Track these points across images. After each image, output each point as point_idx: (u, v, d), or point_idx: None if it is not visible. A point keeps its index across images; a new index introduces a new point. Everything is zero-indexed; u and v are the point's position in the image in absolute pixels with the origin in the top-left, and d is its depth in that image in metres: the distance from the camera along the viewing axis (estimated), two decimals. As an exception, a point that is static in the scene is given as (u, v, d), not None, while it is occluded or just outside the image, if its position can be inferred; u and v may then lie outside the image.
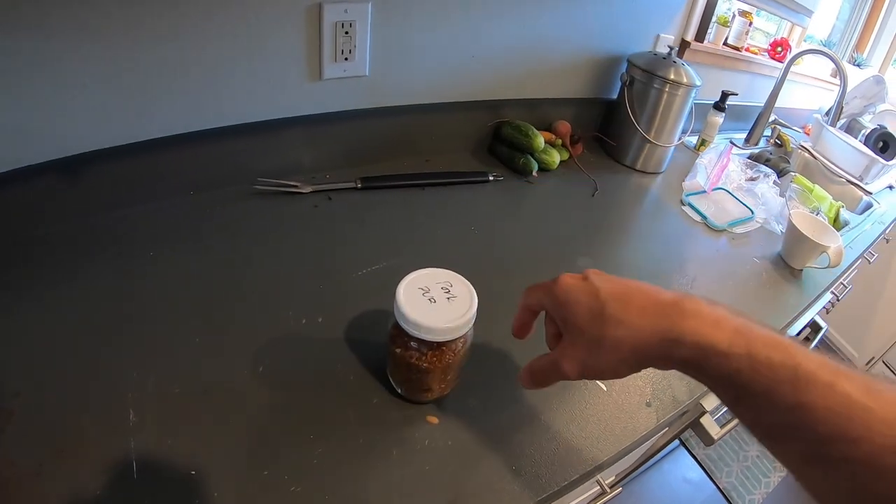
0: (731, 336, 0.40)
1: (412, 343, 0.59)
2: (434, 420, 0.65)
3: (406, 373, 0.62)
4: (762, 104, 1.93)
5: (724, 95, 1.66)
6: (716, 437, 0.93)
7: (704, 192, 1.42)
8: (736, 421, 0.95)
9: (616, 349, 0.46)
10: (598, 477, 0.73)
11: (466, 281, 0.62)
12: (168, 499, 0.52)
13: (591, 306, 0.47)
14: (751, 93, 2.08)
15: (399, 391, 0.65)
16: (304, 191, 1.00)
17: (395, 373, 0.65)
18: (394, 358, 0.62)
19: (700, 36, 1.74)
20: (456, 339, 0.59)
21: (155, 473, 0.54)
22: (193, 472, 0.54)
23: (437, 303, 0.59)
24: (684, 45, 1.69)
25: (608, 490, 0.78)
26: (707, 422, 0.93)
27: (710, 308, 0.43)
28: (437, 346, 0.59)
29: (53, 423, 0.56)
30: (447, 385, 0.65)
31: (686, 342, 0.42)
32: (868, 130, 2.05)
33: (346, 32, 0.97)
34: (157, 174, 0.89)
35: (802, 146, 1.94)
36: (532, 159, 1.26)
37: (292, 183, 1.00)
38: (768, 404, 0.38)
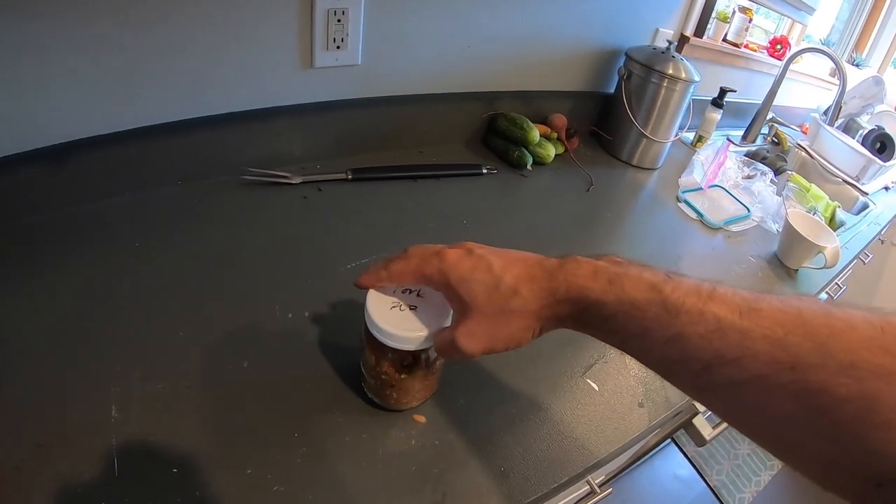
0: (605, 285, 0.41)
1: (386, 352, 0.56)
2: (421, 419, 0.63)
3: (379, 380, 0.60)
4: (760, 102, 1.92)
5: (723, 92, 1.65)
6: (708, 438, 0.92)
7: (701, 188, 1.40)
8: (728, 422, 0.94)
9: (518, 319, 0.46)
10: (588, 477, 0.72)
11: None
12: (150, 496, 0.50)
13: (486, 282, 0.46)
14: (749, 90, 2.07)
15: (371, 397, 0.63)
16: (293, 181, 0.98)
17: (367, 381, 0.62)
18: (366, 367, 0.60)
19: (699, 31, 1.73)
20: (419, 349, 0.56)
21: (137, 470, 0.52)
22: (176, 470, 0.53)
23: (403, 311, 0.55)
24: (683, 39, 1.68)
25: (598, 490, 0.77)
26: (699, 422, 0.92)
27: (588, 263, 0.44)
28: (409, 357, 0.56)
29: (34, 417, 0.54)
30: (417, 398, 0.63)
31: (568, 298, 0.43)
32: (866, 131, 2.05)
33: (339, 20, 0.95)
34: (143, 163, 0.87)
35: (799, 145, 1.94)
36: (527, 152, 1.24)
37: (282, 173, 0.98)
38: (648, 342, 0.39)
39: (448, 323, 0.55)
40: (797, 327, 0.33)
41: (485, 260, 0.48)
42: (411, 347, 0.54)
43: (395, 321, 0.53)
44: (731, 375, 0.34)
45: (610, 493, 0.78)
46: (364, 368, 0.61)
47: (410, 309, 0.55)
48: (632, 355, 0.42)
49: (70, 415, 0.55)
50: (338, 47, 0.98)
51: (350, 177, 1.03)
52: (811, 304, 0.34)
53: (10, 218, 0.76)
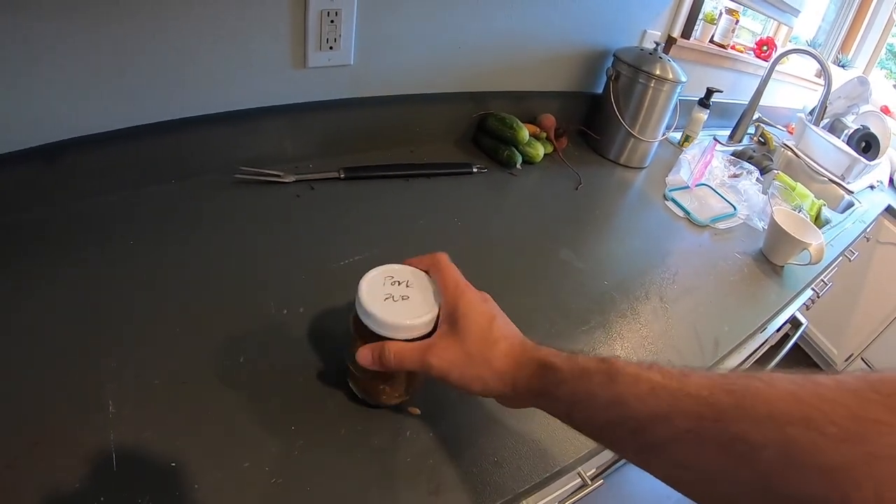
0: (562, 359, 0.48)
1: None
2: (416, 411, 0.64)
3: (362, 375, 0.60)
4: (746, 102, 1.94)
5: (709, 92, 1.67)
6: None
7: (688, 187, 1.42)
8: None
9: (486, 369, 0.51)
10: (580, 469, 0.73)
11: (428, 277, 0.59)
12: (148, 491, 0.51)
13: (483, 328, 0.53)
14: (736, 90, 2.09)
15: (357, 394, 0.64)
16: (286, 180, 0.99)
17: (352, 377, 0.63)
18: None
19: (686, 32, 1.75)
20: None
21: (135, 465, 0.52)
22: (174, 464, 0.53)
23: (397, 302, 0.56)
24: (671, 41, 1.70)
25: (589, 482, 0.78)
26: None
27: (555, 349, 0.51)
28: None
29: (29, 414, 0.55)
30: (401, 393, 0.63)
31: (530, 362, 0.50)
32: (851, 130, 2.07)
33: (332, 21, 0.96)
34: (137, 162, 0.87)
35: (785, 144, 1.96)
36: (516, 152, 1.25)
37: (274, 172, 0.98)
38: (592, 405, 0.44)
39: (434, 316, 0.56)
40: (721, 388, 0.36)
41: (491, 313, 0.54)
42: (407, 336, 0.55)
43: (390, 311, 0.54)
44: (664, 433, 0.37)
45: (601, 486, 0.79)
46: (351, 363, 0.60)
47: (402, 300, 0.56)
48: (579, 425, 0.47)
49: (66, 411, 0.56)
50: (331, 48, 0.99)
51: (342, 176, 1.04)
52: (740, 375, 0.37)
53: (2, 217, 0.76)
